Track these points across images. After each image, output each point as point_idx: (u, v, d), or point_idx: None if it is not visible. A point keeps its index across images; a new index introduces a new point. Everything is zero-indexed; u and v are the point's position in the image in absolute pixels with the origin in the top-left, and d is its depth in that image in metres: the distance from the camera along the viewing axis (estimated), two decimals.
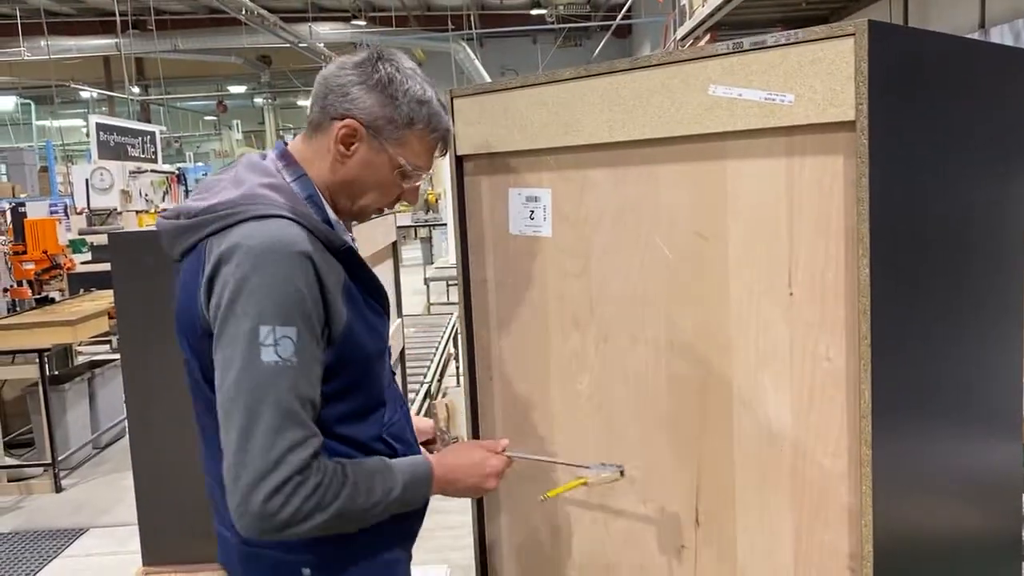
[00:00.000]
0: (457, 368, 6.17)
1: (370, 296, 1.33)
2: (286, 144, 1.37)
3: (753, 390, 1.39)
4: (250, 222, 1.20)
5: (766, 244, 1.34)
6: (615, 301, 1.56)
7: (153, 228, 1.38)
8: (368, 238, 2.78)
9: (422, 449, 1.52)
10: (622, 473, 1.53)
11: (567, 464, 1.58)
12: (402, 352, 3.70)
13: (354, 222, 1.39)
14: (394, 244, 3.56)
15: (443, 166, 14.94)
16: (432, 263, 10.87)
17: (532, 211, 1.67)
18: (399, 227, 4.83)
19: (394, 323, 3.44)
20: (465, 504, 1.85)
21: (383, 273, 3.21)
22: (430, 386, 4.27)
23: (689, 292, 1.45)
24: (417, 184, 1.36)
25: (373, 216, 1.45)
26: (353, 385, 1.28)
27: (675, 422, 1.50)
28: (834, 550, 1.32)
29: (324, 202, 1.33)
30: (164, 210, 1.38)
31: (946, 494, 1.46)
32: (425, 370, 4.50)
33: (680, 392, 1.49)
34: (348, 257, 1.29)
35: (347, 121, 1.29)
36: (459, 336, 1.87)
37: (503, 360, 1.78)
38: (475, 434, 1.83)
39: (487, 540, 1.89)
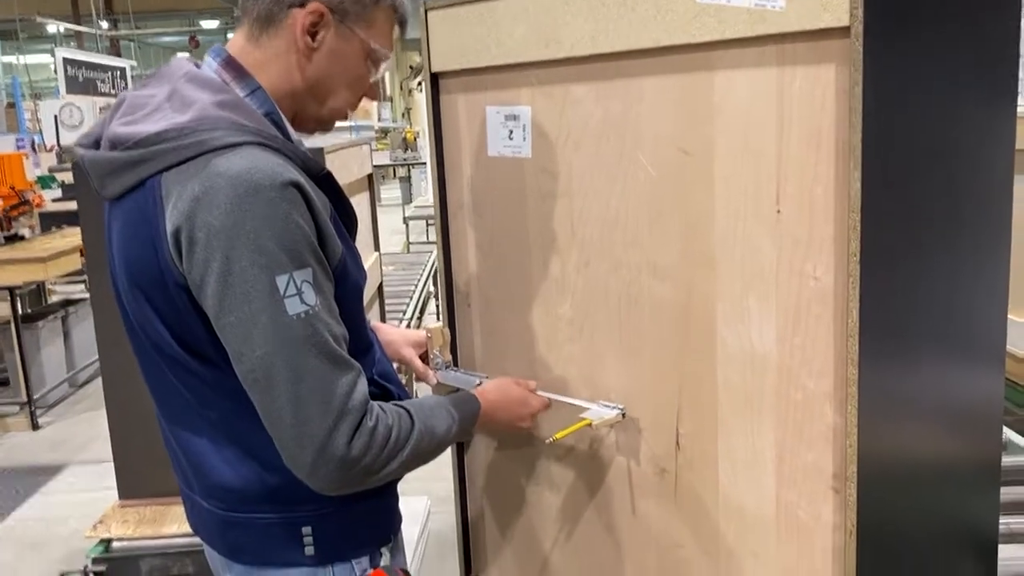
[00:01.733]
0: (437, 306, 6.14)
1: (349, 226, 1.27)
2: (227, 50, 1.18)
3: (737, 311, 1.35)
4: (217, 155, 1.04)
5: (753, 159, 1.29)
6: (597, 223, 1.51)
7: None
8: (342, 167, 2.70)
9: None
10: (623, 414, 1.51)
11: (571, 403, 1.56)
12: (380, 288, 3.65)
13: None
14: (370, 177, 3.48)
15: (420, 101, 14.68)
16: (411, 202, 10.76)
17: (511, 131, 1.61)
18: (377, 166, 4.73)
19: (371, 258, 3.38)
20: None
21: (359, 206, 3.14)
22: (409, 323, 4.23)
23: (673, 211, 1.40)
24: (382, 74, 1.27)
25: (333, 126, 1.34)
26: (347, 325, 1.17)
27: (657, 345, 1.47)
28: (818, 471, 1.31)
29: (284, 119, 1.22)
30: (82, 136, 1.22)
31: (930, 418, 1.45)
32: (404, 307, 4.46)
33: (662, 315, 1.45)
34: (328, 183, 1.21)
35: (312, 6, 1.14)
36: (437, 263, 1.82)
37: (482, 286, 1.73)
38: (455, 363, 1.79)
39: (466, 472, 1.87)
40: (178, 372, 1.17)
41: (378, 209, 3.71)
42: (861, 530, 1.26)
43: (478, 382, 1.61)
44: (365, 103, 1.33)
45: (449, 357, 1.71)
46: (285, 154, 1.11)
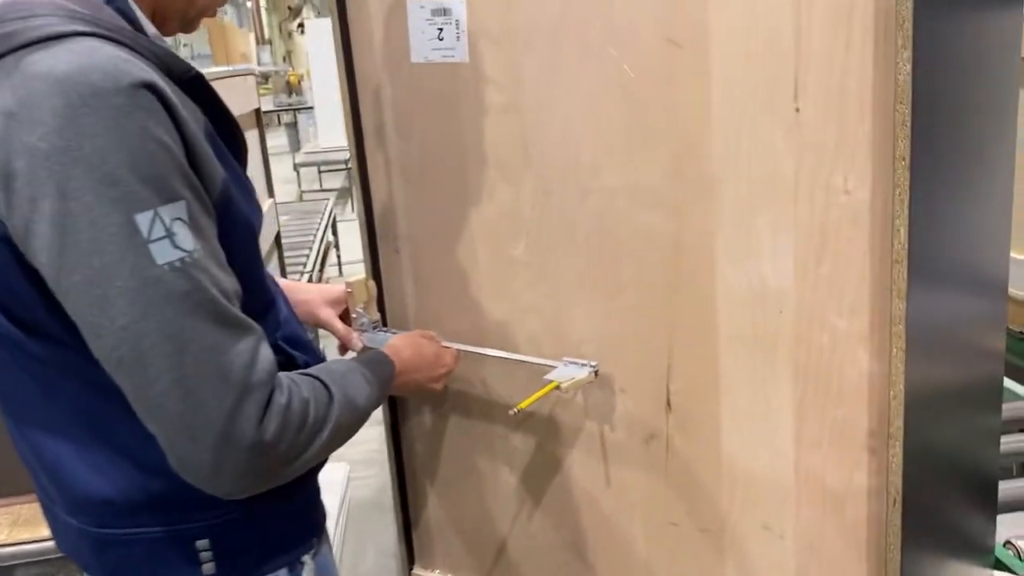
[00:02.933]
0: (338, 256, 5.75)
1: (234, 147, 0.93)
2: None
3: (743, 240, 1.10)
4: (35, 51, 0.74)
5: (763, 45, 1.02)
6: (557, 141, 1.22)
7: None
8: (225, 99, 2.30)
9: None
10: (596, 373, 1.25)
11: (527, 361, 1.29)
12: (278, 238, 3.27)
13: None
14: (257, 113, 3.07)
15: (301, 44, 13.87)
16: (300, 149, 10.16)
17: (440, 29, 1.28)
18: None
19: (265, 204, 2.99)
20: None
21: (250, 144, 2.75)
22: (311, 276, 3.87)
23: (658, 120, 1.12)
24: None
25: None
26: (240, 276, 0.87)
27: (639, 289, 1.20)
28: (849, 429, 1.08)
29: (137, 11, 0.88)
30: None
31: (957, 360, 1.24)
32: (304, 259, 4.08)
33: (646, 252, 1.18)
34: (199, 88, 0.88)
35: None
36: (354, 202, 1.49)
37: (412, 227, 1.42)
38: (383, 323, 1.48)
39: (402, 443, 1.57)
40: (16, 355, 0.85)
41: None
42: (908, 496, 1.04)
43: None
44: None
45: (377, 315, 1.40)
46: (135, 50, 0.78)
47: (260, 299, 0.95)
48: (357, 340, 1.37)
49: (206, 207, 0.81)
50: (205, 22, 1.03)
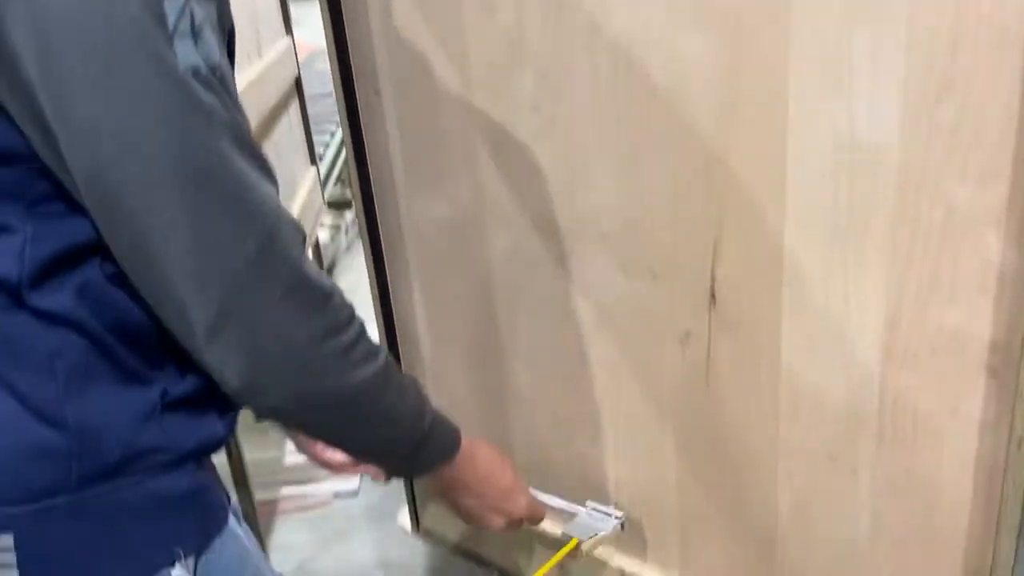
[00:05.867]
0: None
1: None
2: None
3: (829, 71, 0.76)
4: None
5: None
6: None
7: None
8: None
9: None
10: (623, 525, 1.05)
11: (554, 505, 1.07)
12: (298, 84, 2.95)
13: None
14: None
15: None
16: None
17: None
18: None
19: (281, 45, 2.67)
20: None
21: None
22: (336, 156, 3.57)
23: None
24: None
25: None
26: None
27: (679, 138, 0.89)
28: (962, 340, 0.77)
29: None
30: None
31: None
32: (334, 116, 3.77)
33: (687, 90, 0.86)
34: None
35: None
36: (323, 31, 1.18)
37: (393, 63, 1.11)
38: (363, 185, 1.19)
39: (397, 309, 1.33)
40: None
41: None
42: None
43: None
44: None
45: None
46: None
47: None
48: None
49: (224, 17, 0.60)
50: None
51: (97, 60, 0.52)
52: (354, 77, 1.15)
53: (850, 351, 0.85)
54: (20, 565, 0.60)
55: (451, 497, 0.85)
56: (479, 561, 1.39)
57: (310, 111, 2.96)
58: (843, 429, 0.89)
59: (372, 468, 0.80)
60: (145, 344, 0.62)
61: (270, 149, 2.38)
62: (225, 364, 0.57)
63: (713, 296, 0.93)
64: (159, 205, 0.54)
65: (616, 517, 1.08)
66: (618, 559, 1.18)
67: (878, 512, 0.90)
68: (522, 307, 1.13)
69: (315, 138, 3.04)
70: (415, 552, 1.94)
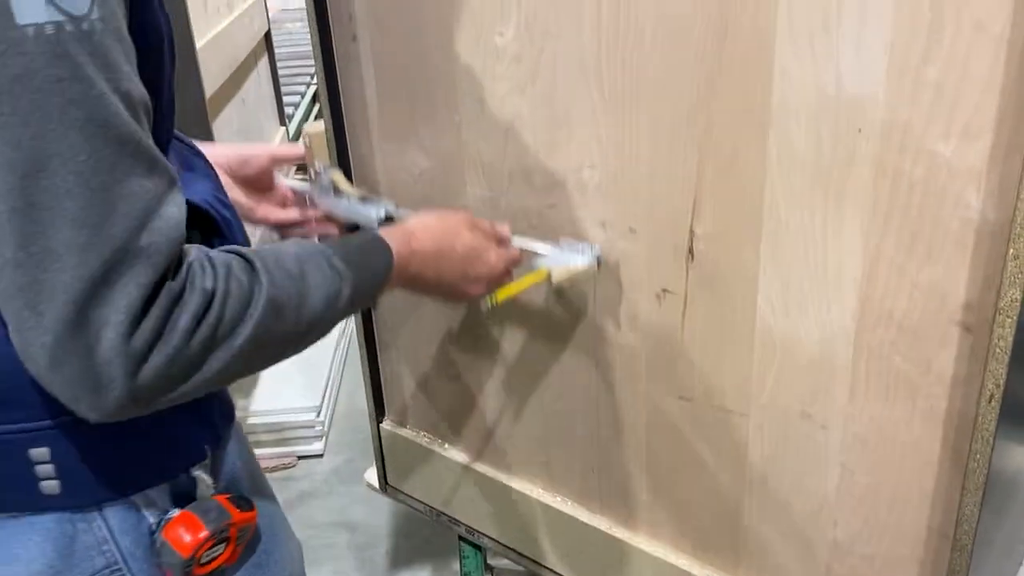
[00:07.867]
0: None
1: None
2: None
3: (816, 20, 0.76)
4: None
5: None
6: None
7: None
8: None
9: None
10: (599, 262, 0.98)
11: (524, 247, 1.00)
12: (268, 38, 2.90)
13: None
14: None
15: None
16: None
17: None
18: None
19: None
20: None
21: None
22: (307, 114, 3.51)
23: None
24: None
25: None
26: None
27: (661, 89, 0.88)
28: (938, 297, 0.78)
29: None
30: None
31: None
32: (309, 72, 3.71)
33: (673, 42, 0.85)
34: None
35: None
36: None
37: (371, 10, 1.09)
38: (338, 135, 1.17)
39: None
40: None
41: None
42: (1010, 390, 0.76)
43: (382, 213, 1.00)
44: None
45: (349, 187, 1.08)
46: None
47: (158, 141, 0.62)
48: (314, 208, 1.05)
49: None
50: None
51: None
52: (330, 24, 1.12)
53: (826, 306, 0.85)
54: (60, 475, 0.65)
55: (422, 293, 0.86)
56: (448, 519, 1.39)
57: (280, 73, 2.91)
58: (817, 384, 0.89)
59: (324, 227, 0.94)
60: None
61: (239, 105, 2.33)
62: (68, 387, 0.54)
63: (691, 252, 0.93)
64: None
65: (594, 254, 1.00)
66: (586, 516, 1.18)
67: (847, 467, 0.91)
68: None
69: (285, 99, 2.99)
70: (380, 512, 1.94)
